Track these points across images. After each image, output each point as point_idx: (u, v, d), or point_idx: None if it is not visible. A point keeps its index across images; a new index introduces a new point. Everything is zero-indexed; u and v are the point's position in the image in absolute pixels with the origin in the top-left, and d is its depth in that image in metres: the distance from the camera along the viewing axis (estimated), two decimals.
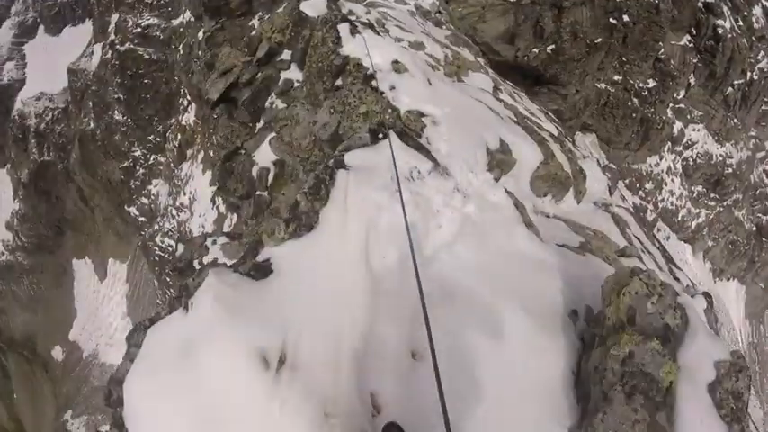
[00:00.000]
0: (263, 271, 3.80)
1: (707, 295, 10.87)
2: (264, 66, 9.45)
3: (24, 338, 38.09)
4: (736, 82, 26.62)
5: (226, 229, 24.95)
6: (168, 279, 29.42)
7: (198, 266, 13.38)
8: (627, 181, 30.87)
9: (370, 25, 7.86)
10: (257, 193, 8.13)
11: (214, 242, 13.04)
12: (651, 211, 32.94)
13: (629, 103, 25.16)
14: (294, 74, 8.62)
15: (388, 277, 3.78)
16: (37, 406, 35.77)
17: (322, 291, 3.65)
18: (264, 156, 8.49)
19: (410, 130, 5.47)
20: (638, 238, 7.92)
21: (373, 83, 6.08)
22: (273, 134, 8.29)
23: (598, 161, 14.31)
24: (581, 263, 4.67)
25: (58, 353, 36.85)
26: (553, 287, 3.92)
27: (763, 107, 29.55)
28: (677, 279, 7.95)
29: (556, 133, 9.85)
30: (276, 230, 3.97)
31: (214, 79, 9.83)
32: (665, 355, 2.74)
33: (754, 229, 32.64)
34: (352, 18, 10.19)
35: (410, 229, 3.40)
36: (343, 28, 6.97)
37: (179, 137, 31.25)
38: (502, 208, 4.85)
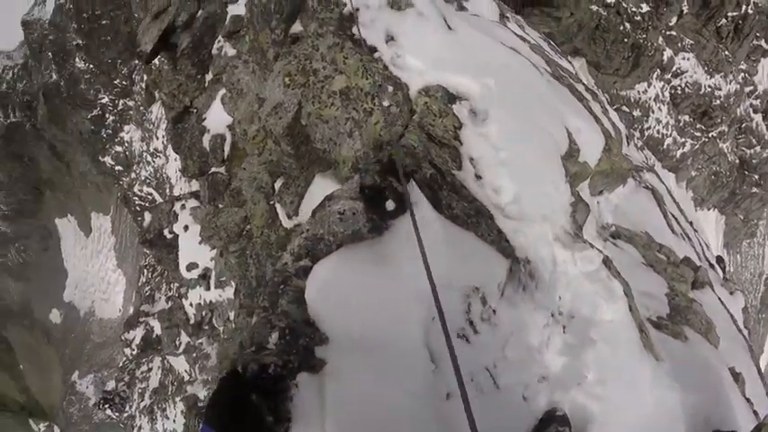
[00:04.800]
0: None
1: (719, 260, 9.57)
2: (205, 0, 7.13)
3: (21, 308, 36.20)
4: (730, 14, 24.76)
5: None
6: None
7: (169, 236, 11.61)
8: (615, 107, 29.39)
9: None
10: (212, 169, 6.15)
11: (183, 207, 11.16)
12: (638, 138, 31.75)
13: (621, 28, 23.31)
14: (244, 8, 6.39)
15: None
16: (44, 373, 34.58)
17: None
18: (217, 119, 6.42)
19: (440, 145, 2.71)
20: (674, 216, 6.46)
21: (355, 31, 3.41)
22: (225, 90, 6.22)
23: (609, 102, 12.41)
24: (692, 367, 3.12)
25: (55, 316, 35.51)
26: None
27: (754, 42, 27.82)
28: (713, 266, 6.55)
29: (573, 73, 7.90)
30: None
31: (146, 25, 7.45)
32: None
33: (738, 161, 31.99)
34: None
35: None
36: None
37: (145, 78, 28.26)
38: (619, 331, 2.61)
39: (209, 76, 6.92)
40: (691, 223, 9.00)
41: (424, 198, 2.35)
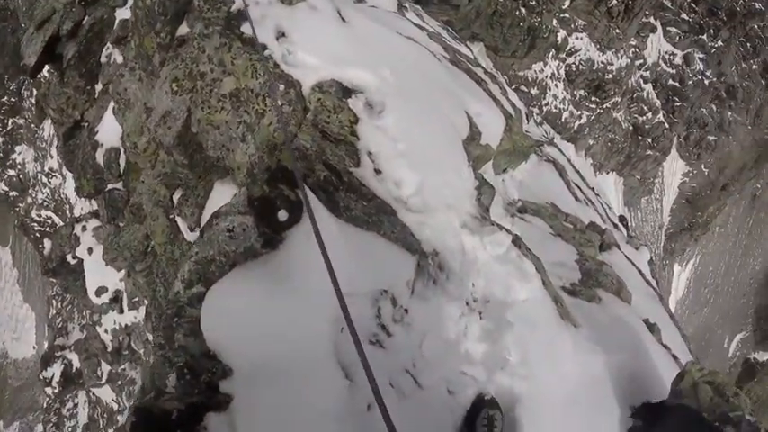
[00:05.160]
0: None
1: (622, 219, 10.38)
2: (92, 5, 6.63)
3: None
4: None
5: None
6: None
7: (72, 261, 10.81)
8: (513, 87, 30.97)
9: None
10: (109, 186, 5.74)
11: (84, 228, 10.44)
12: (537, 114, 33.74)
13: (517, 13, 24.51)
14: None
15: None
16: None
17: None
18: (110, 131, 5.99)
19: (335, 143, 2.59)
20: (576, 184, 6.87)
21: (244, 30, 3.22)
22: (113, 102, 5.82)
23: (507, 83, 13.01)
24: (608, 327, 3.23)
25: None
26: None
27: (644, 19, 30.30)
28: (616, 226, 7.08)
29: (472, 57, 8.20)
30: None
31: (30, 35, 6.80)
32: None
33: (631, 128, 34.94)
34: None
35: None
36: None
37: (35, 93, 25.84)
38: (535, 308, 2.60)
39: (98, 87, 6.45)
40: (592, 189, 9.68)
41: (319, 202, 2.25)
